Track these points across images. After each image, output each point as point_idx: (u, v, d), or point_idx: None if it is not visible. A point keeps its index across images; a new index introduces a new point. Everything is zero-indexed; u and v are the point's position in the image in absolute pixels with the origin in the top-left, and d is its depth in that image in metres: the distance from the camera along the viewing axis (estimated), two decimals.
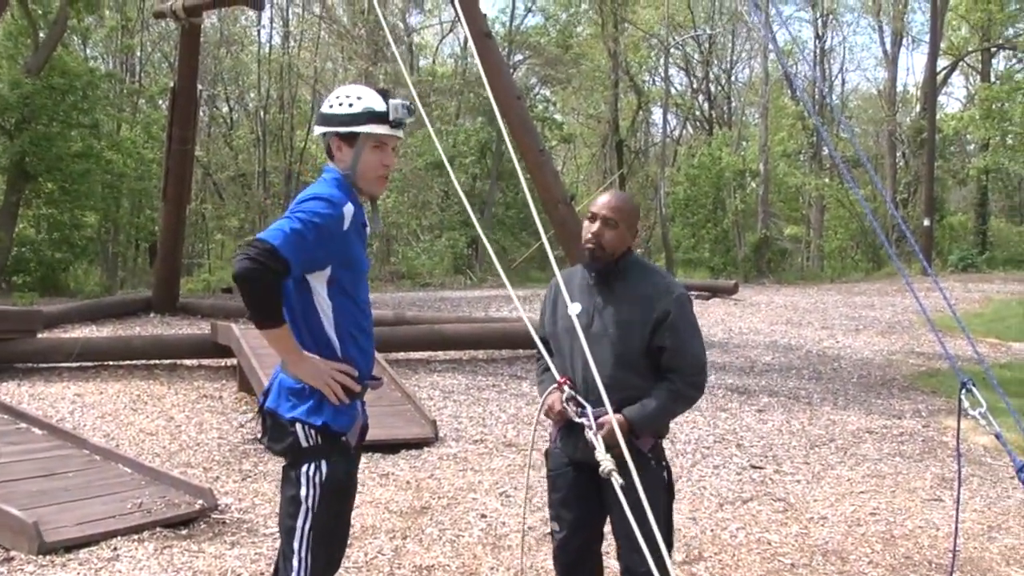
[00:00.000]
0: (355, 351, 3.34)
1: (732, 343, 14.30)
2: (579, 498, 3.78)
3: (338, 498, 3.32)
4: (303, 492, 3.25)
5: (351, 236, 3.28)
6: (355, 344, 3.34)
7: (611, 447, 3.24)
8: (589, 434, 3.41)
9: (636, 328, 3.63)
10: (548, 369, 3.80)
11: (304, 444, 3.25)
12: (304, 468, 3.26)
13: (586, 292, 3.78)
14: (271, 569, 4.31)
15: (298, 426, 3.25)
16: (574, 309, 3.67)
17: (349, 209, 3.25)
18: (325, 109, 3.36)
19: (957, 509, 4.27)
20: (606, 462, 3.24)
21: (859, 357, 13.23)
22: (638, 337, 3.62)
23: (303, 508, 3.24)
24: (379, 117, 3.30)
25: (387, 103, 3.31)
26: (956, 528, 4.24)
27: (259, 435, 3.53)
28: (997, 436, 3.55)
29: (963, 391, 3.67)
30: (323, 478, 3.25)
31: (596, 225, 3.71)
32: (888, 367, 12.46)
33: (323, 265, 3.22)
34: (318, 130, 3.41)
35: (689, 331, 3.66)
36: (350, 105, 3.30)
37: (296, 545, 3.25)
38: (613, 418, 3.30)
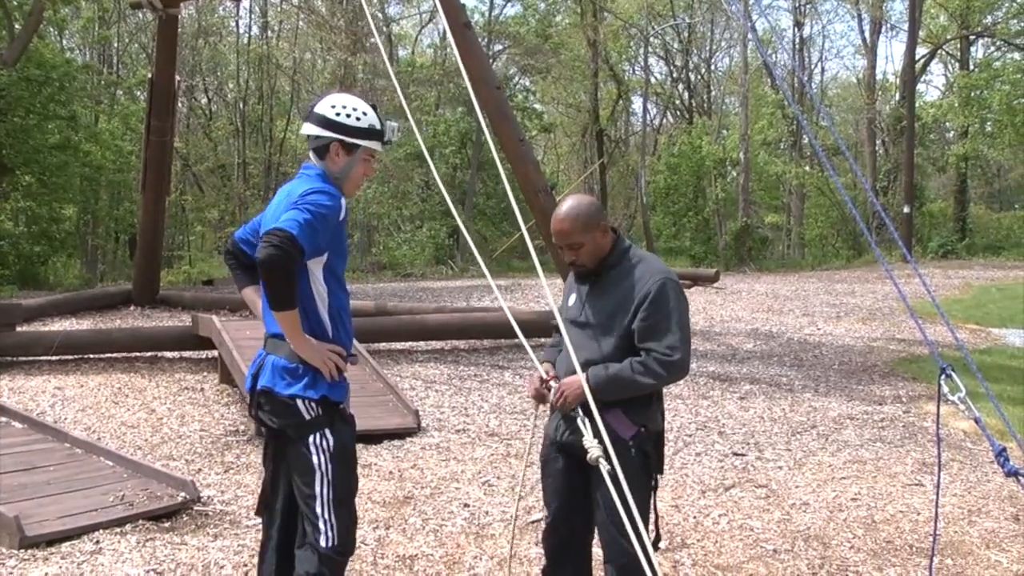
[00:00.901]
0: (343, 333, 3.64)
1: (713, 331, 14.34)
2: (567, 484, 3.82)
3: (347, 461, 3.60)
4: (315, 460, 3.52)
5: (343, 226, 3.59)
6: (342, 325, 3.64)
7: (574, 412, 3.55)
8: (578, 421, 3.53)
9: (619, 316, 3.65)
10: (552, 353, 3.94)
11: (307, 416, 3.52)
12: (311, 439, 3.53)
13: (571, 286, 3.90)
14: (254, 560, 4.33)
15: (298, 401, 3.51)
16: (570, 300, 3.84)
17: (343, 202, 3.57)
18: (330, 115, 3.62)
19: (937, 493, 4.29)
20: (593, 449, 3.28)
21: (840, 344, 13.29)
22: (621, 324, 3.64)
23: (318, 475, 3.51)
24: (378, 135, 3.69)
25: (383, 124, 3.69)
26: (936, 512, 4.26)
27: (256, 413, 3.71)
28: (976, 421, 3.57)
29: (943, 376, 3.68)
30: (331, 444, 3.53)
31: (567, 253, 3.78)
32: (869, 354, 12.52)
33: (323, 251, 3.50)
34: (316, 131, 3.64)
35: (666, 310, 3.61)
36: (358, 119, 3.63)
37: (320, 510, 3.51)
38: (580, 377, 3.48)
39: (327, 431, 3.54)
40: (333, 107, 3.63)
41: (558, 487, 3.84)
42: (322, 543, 3.50)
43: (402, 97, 5.09)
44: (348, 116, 3.62)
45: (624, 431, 3.64)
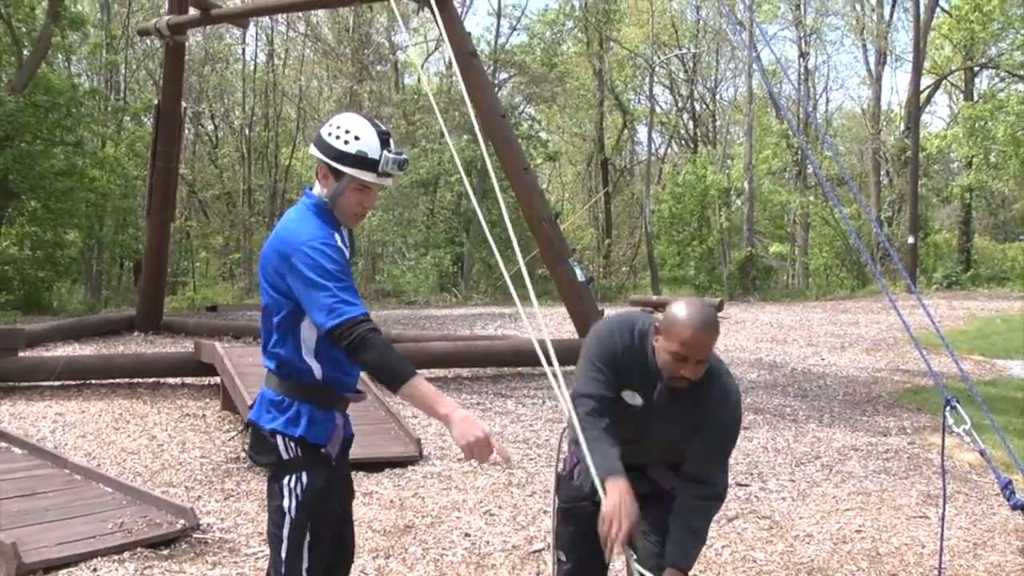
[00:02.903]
0: (335, 371, 3.36)
1: None
2: (596, 535, 3.48)
3: (320, 508, 3.34)
4: (286, 503, 3.29)
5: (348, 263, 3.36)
6: (335, 365, 3.35)
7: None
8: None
9: (682, 440, 3.53)
10: (601, 436, 3.40)
11: (285, 456, 3.30)
12: (286, 480, 3.30)
13: (647, 380, 3.51)
14: None
15: (279, 438, 3.29)
16: (632, 399, 3.52)
17: (338, 240, 3.29)
18: (323, 134, 3.34)
19: (942, 526, 4.26)
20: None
21: (844, 374, 13.25)
22: (674, 441, 3.54)
23: (287, 519, 3.29)
24: (369, 164, 3.29)
25: (381, 154, 3.29)
26: (941, 545, 4.22)
27: (246, 447, 3.55)
28: (982, 453, 3.55)
29: (947, 408, 3.66)
30: (303, 488, 3.29)
31: (690, 367, 3.37)
32: (873, 384, 12.47)
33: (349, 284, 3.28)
34: (312, 149, 3.39)
35: (716, 445, 3.50)
36: (345, 143, 3.28)
37: (283, 554, 3.30)
38: None
39: (303, 474, 3.30)
40: (329, 125, 3.36)
41: (586, 532, 3.51)
42: None
43: (441, 121, 4.98)
44: (336, 139, 3.30)
45: (667, 483, 3.61)
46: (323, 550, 3.37)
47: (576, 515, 3.70)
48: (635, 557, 3.34)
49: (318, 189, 3.39)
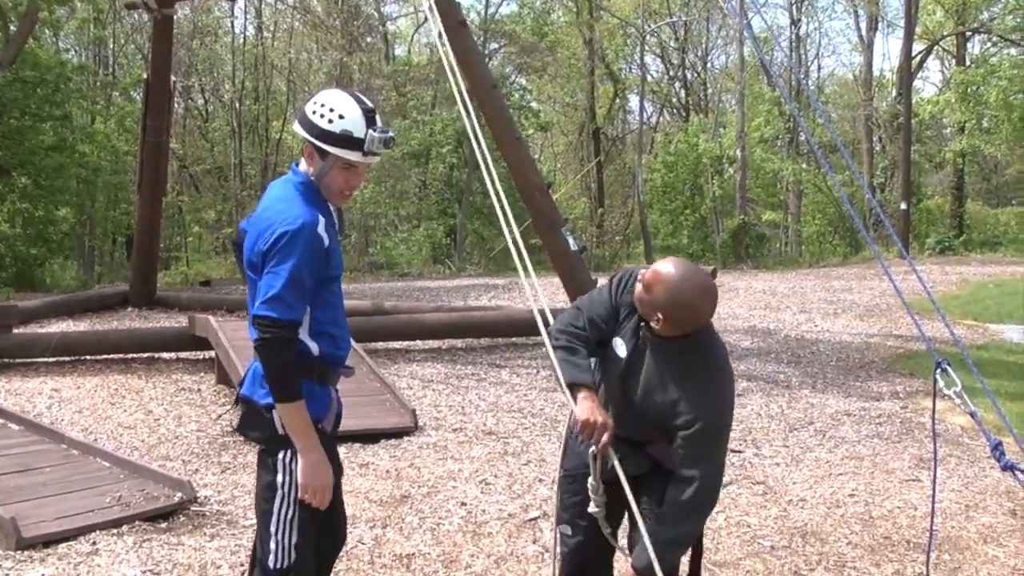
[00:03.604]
0: (331, 347, 3.35)
1: None
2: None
3: None
4: (279, 478, 3.27)
5: (332, 248, 3.28)
6: (331, 341, 3.35)
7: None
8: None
9: (659, 411, 3.42)
10: (580, 362, 3.43)
11: (280, 431, 3.24)
12: (280, 455, 3.27)
13: (633, 334, 3.50)
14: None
15: (275, 413, 3.23)
16: (619, 349, 3.50)
17: (323, 225, 3.22)
18: (308, 111, 3.27)
19: (934, 489, 4.29)
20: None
21: (837, 341, 13.29)
22: (658, 419, 3.43)
23: (279, 494, 3.27)
24: (355, 143, 3.23)
25: (366, 132, 3.22)
26: (932, 507, 4.26)
27: (236, 424, 3.53)
28: (972, 415, 3.57)
29: (938, 371, 3.69)
30: (299, 465, 3.24)
31: (681, 328, 3.36)
32: (866, 350, 12.52)
33: (311, 287, 3.24)
34: (296, 127, 3.33)
35: (698, 459, 3.38)
36: (329, 121, 3.21)
37: (273, 528, 3.28)
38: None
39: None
40: (314, 103, 3.27)
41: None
42: (270, 563, 3.28)
43: (458, 94, 4.86)
44: (321, 117, 3.22)
45: (667, 461, 3.50)
46: (314, 526, 3.34)
47: (581, 481, 3.56)
48: (616, 459, 3.32)
49: (304, 166, 3.33)
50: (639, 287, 3.39)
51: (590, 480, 3.44)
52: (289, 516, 3.27)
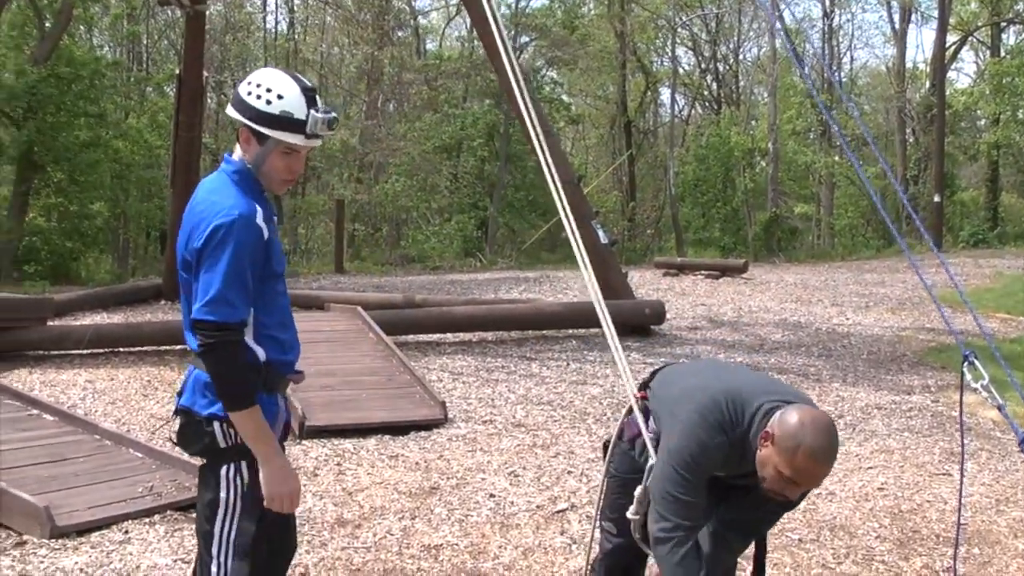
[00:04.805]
0: (278, 352, 3.11)
1: (742, 322, 14.29)
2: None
3: (260, 501, 3.03)
4: (222, 495, 3.02)
5: (272, 241, 3.05)
6: (278, 346, 3.11)
7: None
8: None
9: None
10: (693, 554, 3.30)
11: (222, 444, 3.01)
12: (224, 470, 3.03)
13: (736, 472, 3.42)
14: None
15: (216, 424, 3.00)
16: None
17: (261, 216, 2.99)
18: (242, 92, 3.02)
19: (961, 481, 4.27)
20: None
21: (869, 334, 13.21)
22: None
23: (221, 511, 3.02)
24: (296, 126, 2.99)
25: (308, 113, 2.99)
26: (960, 501, 4.25)
27: (174, 438, 3.21)
28: (1000, 408, 3.56)
29: (965, 364, 3.67)
30: (244, 481, 3.02)
31: (797, 491, 3.22)
32: (898, 343, 12.44)
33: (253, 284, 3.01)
34: (231, 110, 3.07)
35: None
36: (267, 103, 2.97)
37: (215, 551, 3.02)
38: None
39: (242, 464, 3.01)
40: (248, 84, 3.02)
41: None
42: None
43: (514, 82, 4.83)
44: (258, 98, 2.96)
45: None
46: (267, 547, 3.08)
47: (631, 487, 3.54)
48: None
49: (239, 154, 3.09)
50: (778, 457, 3.13)
51: (639, 489, 3.48)
52: (232, 536, 3.02)
